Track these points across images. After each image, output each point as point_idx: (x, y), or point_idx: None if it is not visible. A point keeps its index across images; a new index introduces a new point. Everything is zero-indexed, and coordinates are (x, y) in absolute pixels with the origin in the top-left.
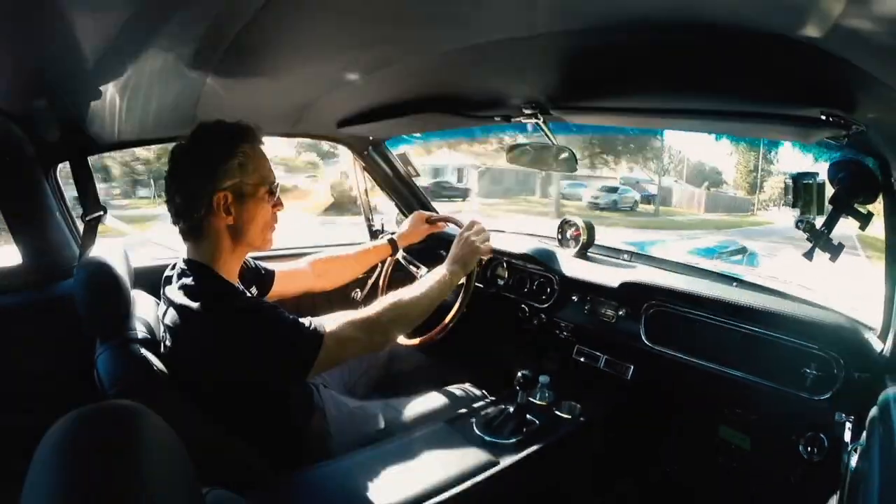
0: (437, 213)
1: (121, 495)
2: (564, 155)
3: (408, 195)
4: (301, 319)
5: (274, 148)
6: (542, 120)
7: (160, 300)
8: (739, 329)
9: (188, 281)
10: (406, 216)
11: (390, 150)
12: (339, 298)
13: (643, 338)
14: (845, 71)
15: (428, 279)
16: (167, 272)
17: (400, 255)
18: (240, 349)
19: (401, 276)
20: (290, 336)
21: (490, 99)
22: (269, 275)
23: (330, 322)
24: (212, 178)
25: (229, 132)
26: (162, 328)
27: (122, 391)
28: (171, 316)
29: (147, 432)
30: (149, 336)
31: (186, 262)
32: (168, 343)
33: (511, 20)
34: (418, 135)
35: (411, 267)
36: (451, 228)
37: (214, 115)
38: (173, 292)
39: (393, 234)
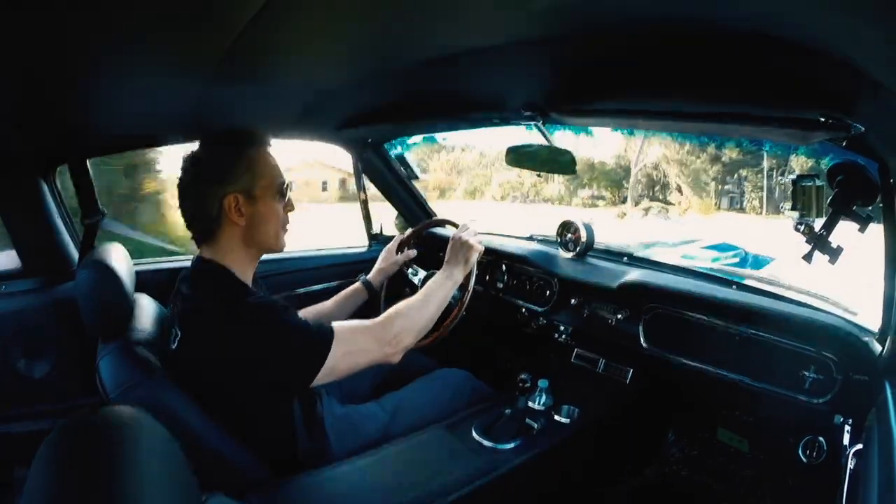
0: (435, 215)
1: (119, 502)
2: (564, 157)
3: (406, 198)
4: (311, 326)
5: None
6: (540, 122)
7: (162, 302)
8: (738, 331)
9: (204, 280)
10: (405, 218)
11: (389, 153)
12: None
13: (642, 341)
14: (845, 73)
15: (430, 285)
16: (183, 273)
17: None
18: (250, 349)
19: (399, 281)
20: (299, 342)
21: (489, 101)
22: None
23: (338, 331)
24: (221, 181)
25: (236, 136)
26: (172, 327)
27: (123, 395)
28: (185, 313)
29: (146, 438)
30: (151, 339)
31: (202, 262)
32: (178, 341)
33: (510, 23)
34: (417, 136)
35: (409, 271)
36: (446, 230)
37: (212, 118)
38: (188, 291)
39: (367, 274)
